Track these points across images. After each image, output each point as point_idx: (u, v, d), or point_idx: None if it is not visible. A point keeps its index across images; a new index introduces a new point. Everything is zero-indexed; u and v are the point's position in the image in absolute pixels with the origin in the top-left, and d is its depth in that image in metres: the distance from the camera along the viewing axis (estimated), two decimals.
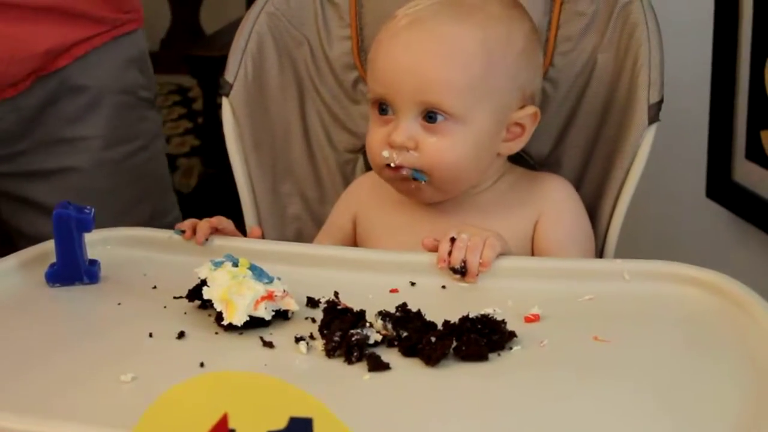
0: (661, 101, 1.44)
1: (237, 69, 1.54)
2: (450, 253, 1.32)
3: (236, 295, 1.20)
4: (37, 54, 1.63)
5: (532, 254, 1.42)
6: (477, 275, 1.31)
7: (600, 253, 1.46)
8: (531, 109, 1.43)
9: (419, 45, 1.38)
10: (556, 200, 1.44)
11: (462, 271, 1.31)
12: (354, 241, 1.51)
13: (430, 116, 1.37)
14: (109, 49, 1.69)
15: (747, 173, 1.92)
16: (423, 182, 1.39)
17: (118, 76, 1.60)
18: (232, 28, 1.67)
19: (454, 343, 1.15)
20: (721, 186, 1.97)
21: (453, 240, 1.32)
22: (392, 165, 1.39)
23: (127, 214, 1.68)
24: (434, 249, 1.34)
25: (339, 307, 1.20)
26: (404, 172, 1.39)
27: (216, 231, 1.43)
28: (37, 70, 1.65)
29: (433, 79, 1.37)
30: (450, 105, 1.37)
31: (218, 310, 1.21)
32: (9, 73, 1.62)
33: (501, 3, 1.43)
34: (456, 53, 1.38)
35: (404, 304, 1.20)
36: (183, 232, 1.41)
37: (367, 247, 1.47)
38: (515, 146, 1.44)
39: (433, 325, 1.18)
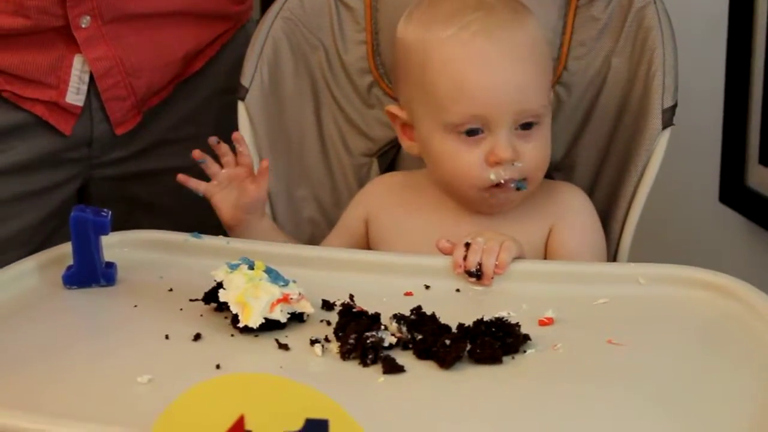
0: (675, 106, 1.44)
1: (253, 74, 1.55)
2: (465, 258, 1.32)
3: (252, 297, 1.21)
4: (177, 60, 1.64)
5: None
6: (492, 278, 1.32)
7: (614, 257, 1.47)
8: (551, 92, 1.46)
9: (510, 55, 1.38)
10: (571, 210, 1.45)
11: (477, 274, 1.31)
12: (365, 242, 1.51)
13: (525, 125, 1.38)
14: (231, 45, 1.70)
15: (760, 178, 1.92)
16: (524, 190, 1.40)
17: (230, 75, 1.61)
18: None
19: (469, 346, 1.15)
20: (734, 191, 1.98)
21: (468, 245, 1.33)
22: (500, 182, 1.39)
23: None
24: (448, 251, 1.35)
25: (354, 310, 1.21)
26: (511, 185, 1.40)
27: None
28: (177, 76, 1.66)
29: (530, 85, 1.38)
30: (541, 106, 1.39)
31: (234, 312, 1.21)
32: (153, 81, 1.63)
33: None
34: (537, 52, 1.40)
35: (419, 307, 1.21)
36: (200, 235, 1.41)
37: (380, 250, 1.48)
38: None
39: (447, 327, 1.18)
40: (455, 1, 1.42)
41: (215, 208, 1.47)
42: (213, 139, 1.47)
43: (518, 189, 1.40)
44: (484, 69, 1.38)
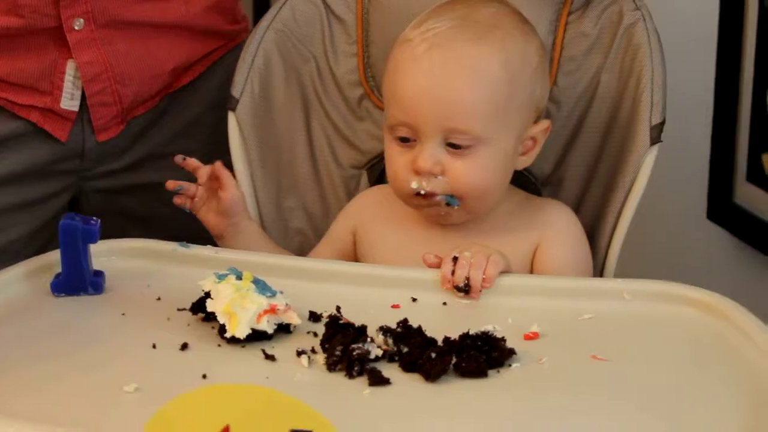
0: (663, 122, 1.45)
1: (243, 85, 1.56)
2: (453, 272, 1.33)
3: (239, 308, 1.21)
4: (165, 72, 1.65)
5: None
6: (480, 291, 1.32)
7: (600, 272, 1.47)
8: (545, 123, 1.45)
9: (442, 69, 1.38)
10: (557, 226, 1.46)
11: (466, 289, 1.32)
12: (353, 254, 1.52)
13: (454, 144, 1.38)
14: (223, 63, 1.70)
15: (748, 195, 1.93)
16: (455, 207, 1.40)
17: (222, 90, 1.62)
18: None
19: (454, 360, 1.16)
20: (722, 208, 1.98)
21: (455, 259, 1.33)
22: (422, 192, 1.39)
23: None
24: (435, 265, 1.35)
25: (341, 322, 1.22)
26: (437, 199, 1.40)
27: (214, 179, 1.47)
28: (165, 88, 1.67)
29: (458, 104, 1.37)
30: (475, 128, 1.38)
31: (221, 322, 1.22)
32: (140, 91, 1.63)
33: (514, 20, 1.44)
34: (480, 76, 1.39)
35: (405, 320, 1.21)
36: (188, 245, 1.42)
37: (368, 262, 1.48)
38: (528, 160, 1.46)
39: (433, 341, 1.19)
40: (448, 8, 1.44)
41: (203, 222, 1.49)
42: (178, 158, 1.49)
43: (448, 204, 1.40)
44: (415, 78, 1.39)
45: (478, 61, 1.39)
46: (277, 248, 1.52)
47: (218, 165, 1.48)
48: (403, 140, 1.41)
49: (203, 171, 1.48)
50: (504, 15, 1.44)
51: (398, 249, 1.47)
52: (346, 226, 1.53)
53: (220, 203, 1.48)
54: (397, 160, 1.42)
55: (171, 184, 1.48)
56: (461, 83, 1.38)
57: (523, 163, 1.46)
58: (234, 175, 1.52)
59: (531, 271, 1.44)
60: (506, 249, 1.38)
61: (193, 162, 1.48)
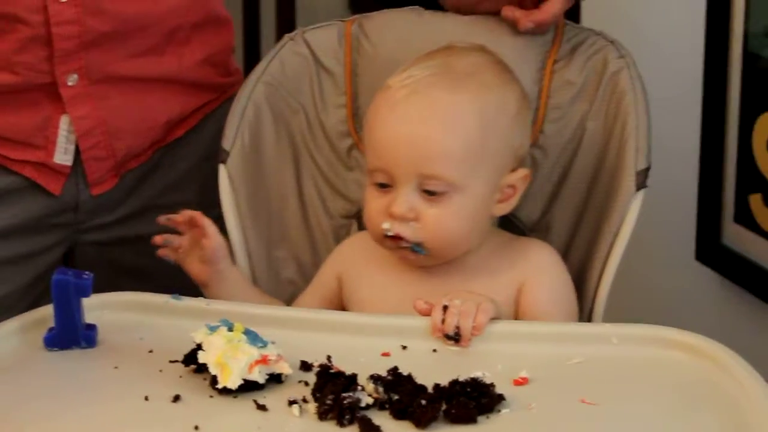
0: (648, 168, 1.46)
1: (234, 137, 1.57)
2: (443, 321, 1.34)
3: (231, 359, 1.22)
4: (158, 125, 1.66)
5: (516, 318, 1.44)
6: (470, 340, 1.33)
7: (588, 317, 1.48)
8: (523, 172, 1.46)
9: (417, 116, 1.41)
10: (541, 266, 1.47)
11: (456, 338, 1.33)
12: (339, 300, 1.53)
13: (430, 191, 1.40)
14: (215, 115, 1.71)
15: (736, 236, 1.94)
16: (419, 254, 1.42)
17: (214, 143, 1.63)
18: None
19: (444, 406, 1.17)
20: (710, 249, 2.00)
21: (445, 308, 1.34)
22: (391, 234, 1.41)
23: None
24: (425, 312, 1.36)
25: (332, 371, 1.23)
26: (404, 244, 1.42)
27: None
28: (158, 142, 1.68)
29: (433, 150, 1.40)
30: (449, 175, 1.40)
31: (213, 373, 1.23)
32: (134, 145, 1.64)
33: (494, 69, 1.47)
34: (454, 123, 1.41)
35: (395, 368, 1.22)
36: (180, 297, 1.43)
37: (353, 306, 1.50)
38: (507, 207, 1.47)
39: (423, 388, 1.20)
40: (431, 56, 1.47)
41: (187, 272, 1.50)
42: (162, 219, 1.49)
43: (414, 251, 1.42)
44: (393, 125, 1.42)
45: (452, 108, 1.41)
46: (263, 295, 1.53)
47: (197, 213, 1.48)
48: (382, 186, 1.43)
49: (183, 220, 1.49)
50: (484, 63, 1.46)
51: (381, 291, 1.48)
52: (332, 271, 1.54)
53: (204, 251, 1.48)
54: (373, 204, 1.44)
55: (159, 239, 1.49)
56: (435, 130, 1.41)
57: (502, 210, 1.47)
58: (225, 227, 1.54)
59: (516, 312, 1.45)
60: (490, 290, 1.40)
61: (175, 218, 1.49)
